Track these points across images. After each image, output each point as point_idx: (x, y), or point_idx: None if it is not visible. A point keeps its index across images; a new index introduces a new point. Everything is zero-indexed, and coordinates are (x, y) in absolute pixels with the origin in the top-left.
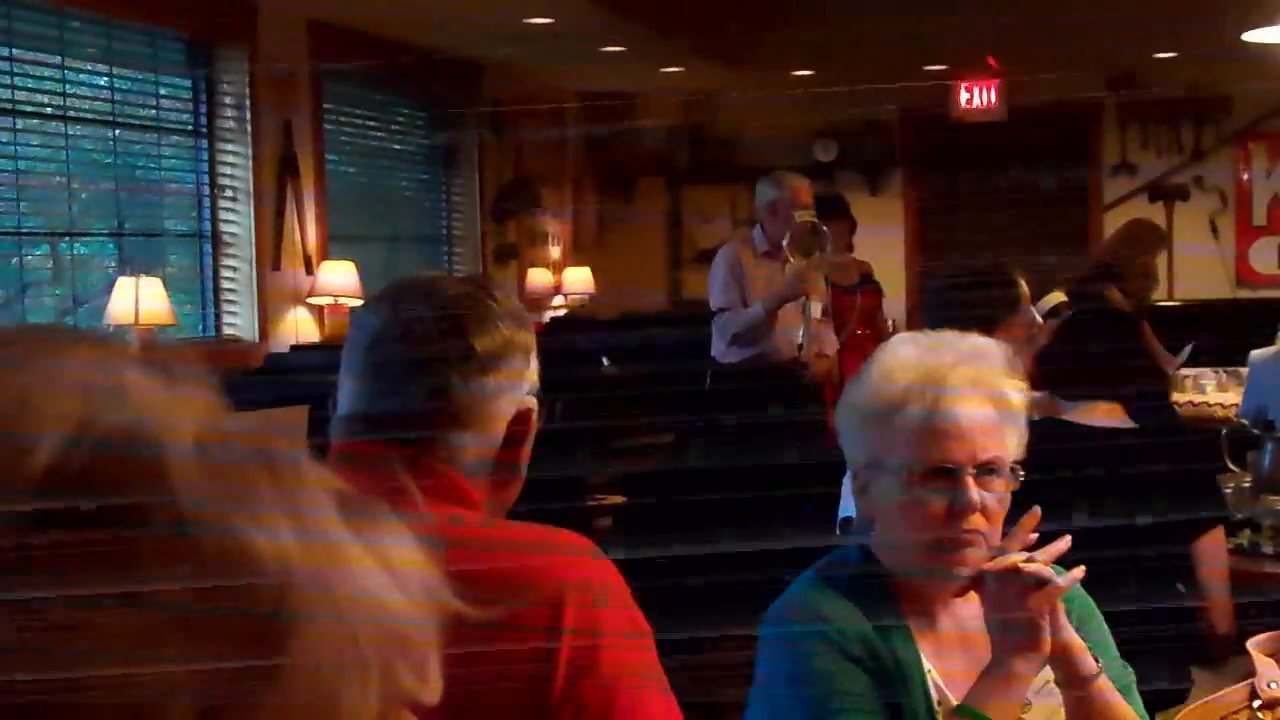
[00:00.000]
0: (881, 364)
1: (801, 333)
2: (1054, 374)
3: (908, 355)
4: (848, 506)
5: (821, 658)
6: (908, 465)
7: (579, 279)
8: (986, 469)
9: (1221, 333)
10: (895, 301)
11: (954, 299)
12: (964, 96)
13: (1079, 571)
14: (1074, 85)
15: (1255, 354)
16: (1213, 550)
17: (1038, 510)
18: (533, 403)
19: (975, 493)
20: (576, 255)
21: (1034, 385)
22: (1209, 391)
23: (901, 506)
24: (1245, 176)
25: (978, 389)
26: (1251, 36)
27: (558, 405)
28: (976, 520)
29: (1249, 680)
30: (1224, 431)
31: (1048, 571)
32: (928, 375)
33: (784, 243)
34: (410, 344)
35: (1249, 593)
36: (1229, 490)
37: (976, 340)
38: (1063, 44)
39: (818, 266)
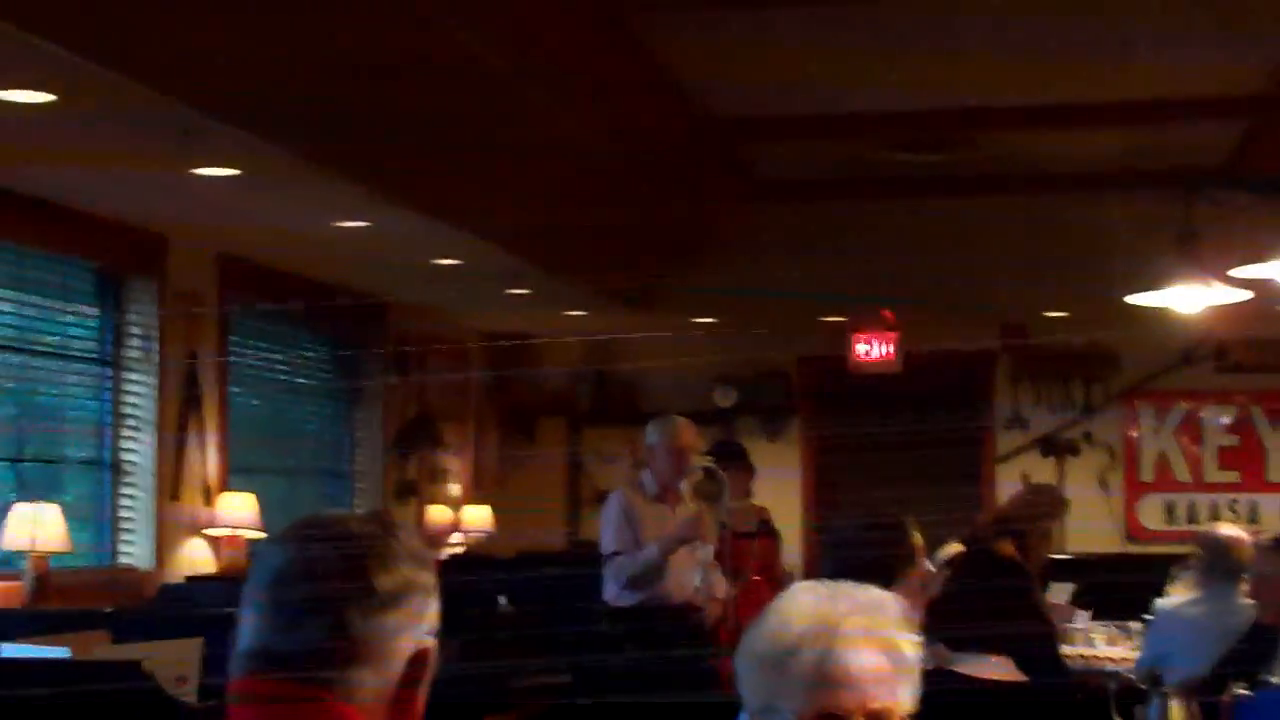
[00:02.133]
0: (779, 610)
1: (699, 576)
2: (945, 623)
3: (805, 602)
4: None
5: None
6: (798, 711)
7: (478, 517)
8: (877, 718)
9: (1111, 587)
10: (792, 547)
11: (851, 550)
12: (860, 348)
13: None
14: (968, 339)
15: (1161, 602)
16: None
17: None
18: (432, 643)
19: None
20: (476, 493)
21: (924, 633)
22: (1099, 645)
23: None
24: (1133, 433)
25: (871, 639)
26: (1134, 300)
27: (455, 644)
28: None
29: None
30: (1112, 686)
31: None
32: (822, 622)
33: (681, 487)
34: (311, 580)
35: None
36: None
37: (873, 591)
38: (958, 299)
39: (714, 511)
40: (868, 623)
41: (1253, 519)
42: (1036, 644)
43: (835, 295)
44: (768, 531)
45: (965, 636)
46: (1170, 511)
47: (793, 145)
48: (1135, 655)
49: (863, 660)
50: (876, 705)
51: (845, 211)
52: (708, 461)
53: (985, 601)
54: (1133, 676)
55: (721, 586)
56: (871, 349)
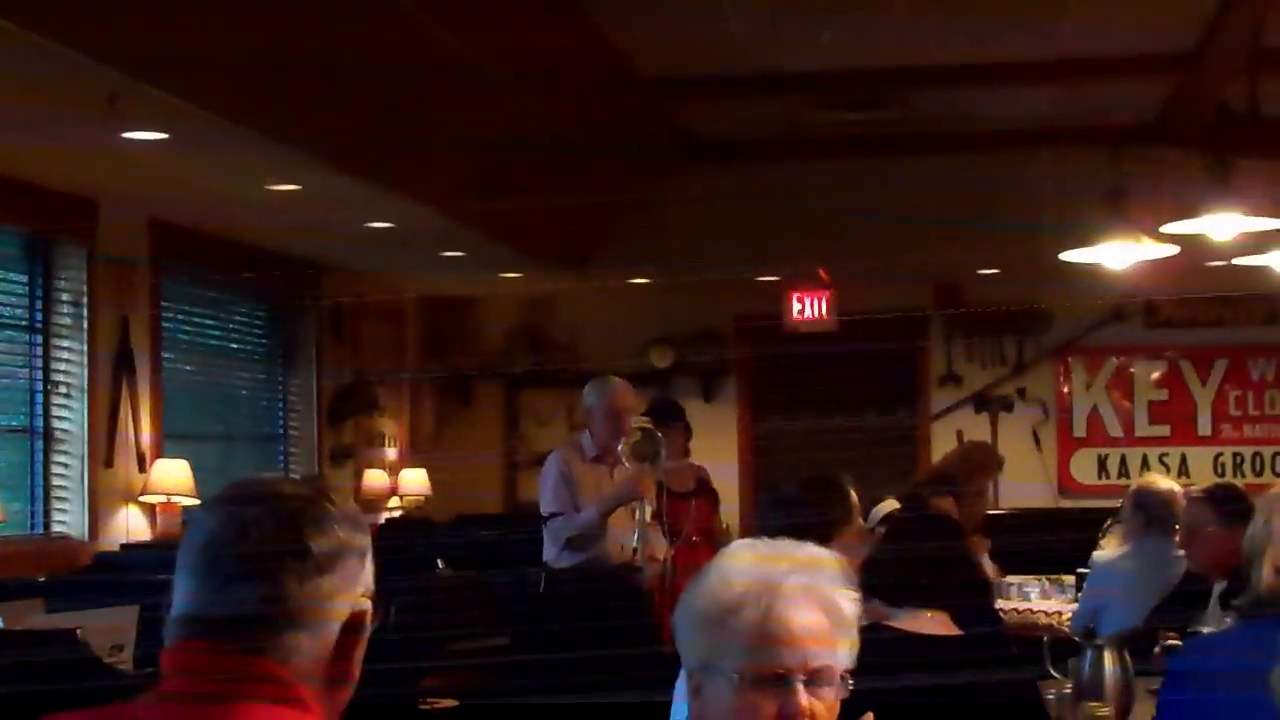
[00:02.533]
0: (720, 568)
1: (635, 536)
2: (881, 580)
3: (745, 560)
4: (679, 711)
5: None
6: (741, 669)
7: (415, 481)
8: (816, 677)
9: (1044, 542)
10: (730, 506)
11: (789, 509)
12: (795, 307)
13: None
14: (902, 298)
15: (1097, 555)
16: None
17: (870, 715)
18: (367, 605)
19: (805, 699)
20: (413, 457)
21: (861, 591)
22: (1033, 599)
23: (733, 710)
24: (1065, 389)
25: (811, 597)
26: (1067, 257)
27: (392, 608)
28: None
29: None
30: (1046, 639)
31: None
32: (763, 581)
33: (619, 448)
34: (246, 545)
35: None
36: (1051, 696)
37: (812, 550)
38: (891, 258)
39: (651, 472)
40: (808, 581)
41: (1183, 472)
42: (972, 599)
43: (771, 255)
44: (706, 491)
45: (900, 591)
46: (1102, 466)
47: (725, 106)
48: (1068, 609)
49: (804, 619)
50: (817, 664)
51: (779, 171)
52: (645, 422)
53: (921, 558)
54: (1066, 629)
55: (661, 547)
56: (806, 308)
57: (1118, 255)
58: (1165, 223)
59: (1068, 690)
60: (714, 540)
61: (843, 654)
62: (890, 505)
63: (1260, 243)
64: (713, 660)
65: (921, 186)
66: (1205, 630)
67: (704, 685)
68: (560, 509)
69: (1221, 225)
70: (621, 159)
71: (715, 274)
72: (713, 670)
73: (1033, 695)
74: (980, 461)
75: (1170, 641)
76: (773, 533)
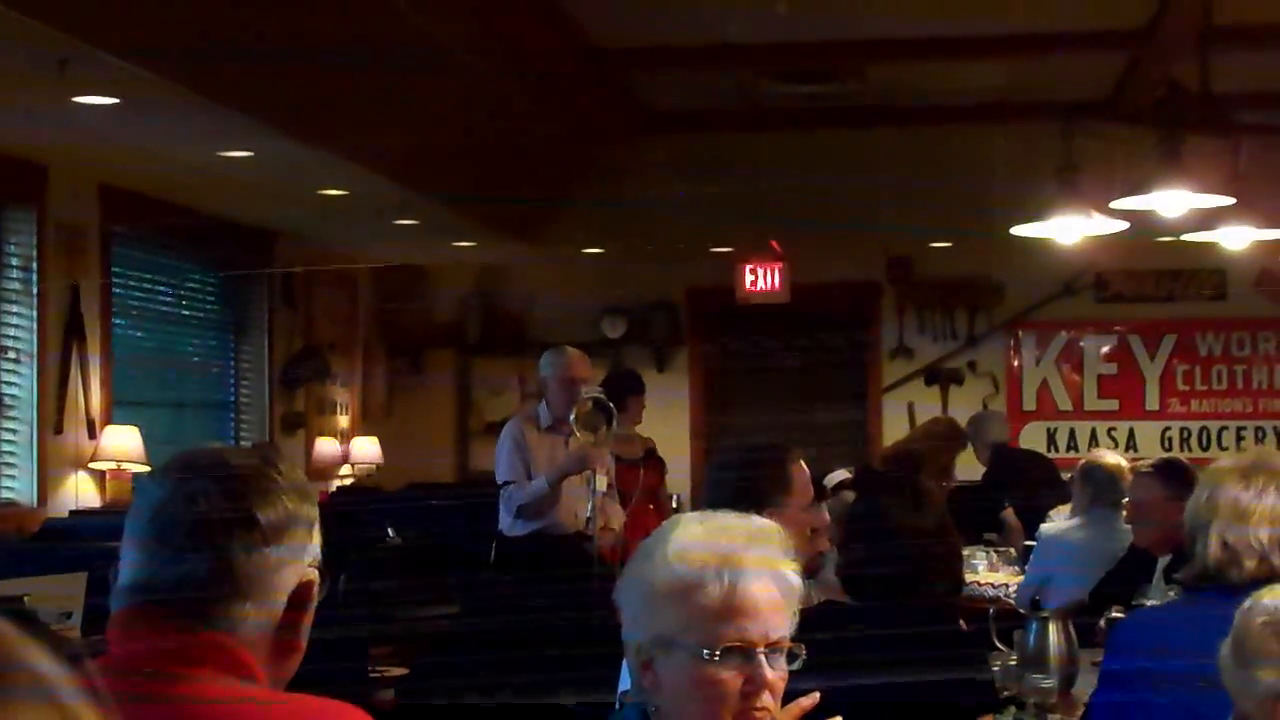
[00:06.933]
0: (673, 542)
1: (589, 507)
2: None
3: (699, 535)
4: (627, 681)
5: None
6: (705, 643)
7: (367, 448)
8: (775, 648)
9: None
10: (680, 477)
11: (736, 480)
12: (748, 279)
13: None
14: (854, 271)
15: (1045, 527)
16: None
17: (816, 695)
18: (314, 574)
19: (768, 671)
20: (365, 425)
21: (821, 561)
22: (980, 571)
23: (695, 684)
24: (1015, 363)
25: (765, 570)
26: (1019, 231)
27: (341, 577)
28: (766, 698)
29: None
30: (992, 611)
31: None
32: (722, 556)
33: (570, 418)
34: (193, 514)
35: None
36: (996, 669)
37: (760, 522)
38: (843, 231)
39: (602, 442)
40: (763, 554)
41: (1130, 446)
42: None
43: (723, 226)
44: (653, 459)
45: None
46: (1051, 439)
47: (680, 75)
48: (1015, 581)
49: (763, 591)
50: (776, 635)
51: (733, 142)
52: (597, 392)
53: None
54: (1012, 601)
55: (618, 517)
56: (759, 280)
57: (1068, 230)
58: (1116, 198)
59: (1013, 662)
60: (662, 509)
61: (790, 625)
62: (841, 475)
63: (1209, 219)
64: (671, 635)
65: (875, 160)
66: (1149, 602)
67: (657, 660)
68: (513, 478)
69: (1171, 201)
70: (576, 129)
71: (668, 245)
72: (670, 645)
73: (980, 669)
74: (946, 437)
75: (1115, 615)
76: (720, 503)
